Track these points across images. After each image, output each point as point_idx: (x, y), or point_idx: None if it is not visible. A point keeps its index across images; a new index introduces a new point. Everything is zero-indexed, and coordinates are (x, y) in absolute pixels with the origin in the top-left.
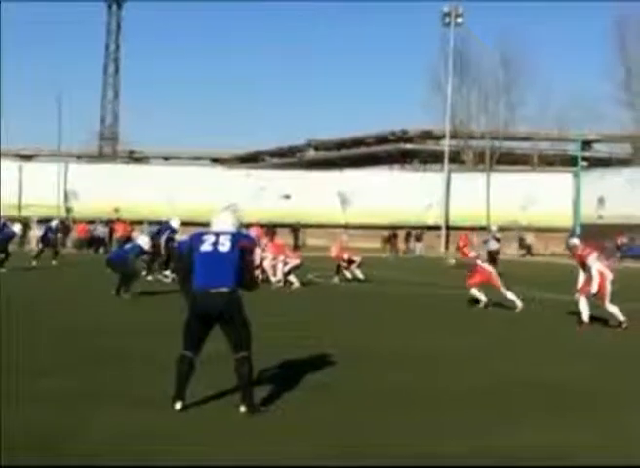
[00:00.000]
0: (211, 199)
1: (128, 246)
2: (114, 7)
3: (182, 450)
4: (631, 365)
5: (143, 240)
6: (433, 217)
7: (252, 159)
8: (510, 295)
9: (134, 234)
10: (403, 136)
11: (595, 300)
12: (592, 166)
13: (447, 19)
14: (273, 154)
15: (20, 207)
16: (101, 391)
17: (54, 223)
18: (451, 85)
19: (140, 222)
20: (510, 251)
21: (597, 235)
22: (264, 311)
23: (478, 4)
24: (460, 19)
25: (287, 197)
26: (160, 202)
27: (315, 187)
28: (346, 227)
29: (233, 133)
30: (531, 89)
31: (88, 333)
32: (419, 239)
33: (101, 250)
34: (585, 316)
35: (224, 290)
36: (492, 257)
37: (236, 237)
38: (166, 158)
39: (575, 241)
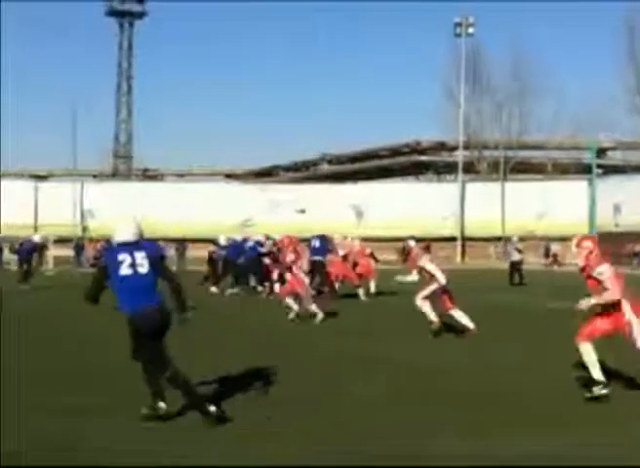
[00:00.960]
0: (226, 215)
1: None
2: (126, 25)
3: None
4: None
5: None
6: (449, 228)
7: (266, 174)
8: (315, 308)
9: None
10: (416, 148)
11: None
12: (607, 173)
13: (458, 30)
14: (287, 169)
15: (36, 227)
16: (114, 404)
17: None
18: (463, 95)
19: (156, 240)
20: (531, 260)
21: (614, 243)
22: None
23: (489, 13)
24: (471, 30)
25: (302, 211)
26: (176, 219)
27: (330, 201)
28: (361, 240)
29: (247, 148)
30: (544, 97)
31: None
32: (426, 251)
33: None
34: (432, 317)
35: (156, 306)
36: (515, 268)
37: (149, 253)
38: (180, 175)
39: (411, 243)
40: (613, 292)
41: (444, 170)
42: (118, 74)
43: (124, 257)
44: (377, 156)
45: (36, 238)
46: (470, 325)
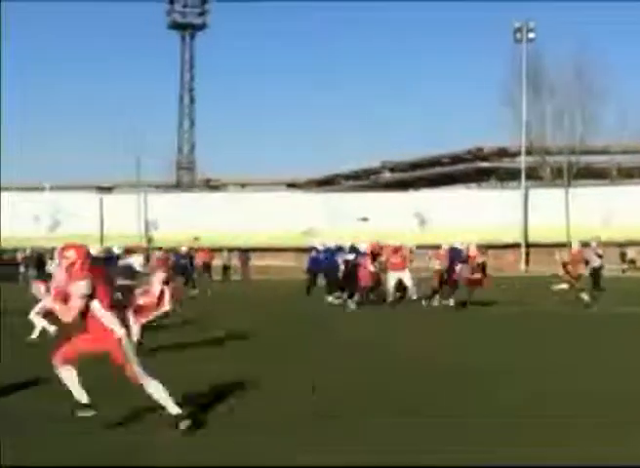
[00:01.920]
0: (288, 224)
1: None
2: (187, 38)
3: None
4: None
5: (137, 260)
6: (512, 235)
7: (327, 182)
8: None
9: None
10: (478, 155)
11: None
12: None
13: (519, 35)
14: (349, 177)
15: (101, 239)
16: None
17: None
18: (525, 101)
19: (219, 250)
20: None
21: None
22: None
23: (550, 16)
24: (531, 35)
25: (364, 219)
26: (238, 229)
27: (392, 209)
28: (424, 248)
29: (309, 156)
30: (607, 101)
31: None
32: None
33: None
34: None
35: None
36: (596, 275)
37: None
38: (242, 185)
39: (158, 255)
40: (67, 310)
41: (507, 176)
42: (180, 86)
43: None
44: (438, 163)
45: (116, 250)
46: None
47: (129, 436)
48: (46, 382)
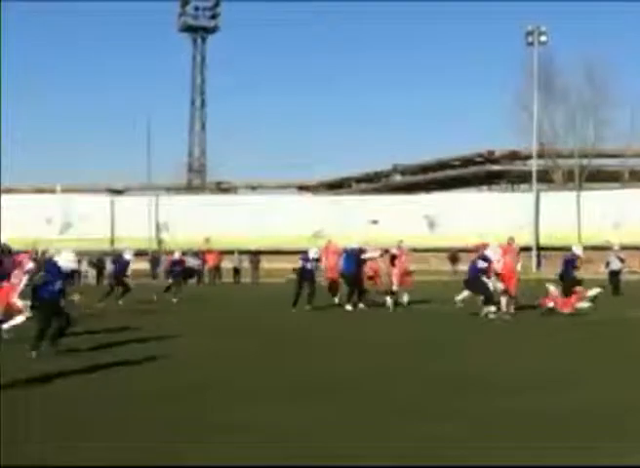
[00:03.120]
0: (298, 227)
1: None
2: (199, 41)
3: None
4: None
5: (65, 258)
6: (524, 238)
7: (338, 185)
8: None
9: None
10: (489, 158)
11: None
12: None
13: (530, 38)
14: (359, 180)
15: (112, 240)
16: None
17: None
18: (537, 104)
19: (230, 252)
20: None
21: None
22: None
23: (562, 19)
24: (543, 38)
25: (374, 222)
26: (248, 231)
27: (402, 211)
28: (434, 251)
29: (320, 159)
30: (618, 104)
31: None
32: None
33: (193, 280)
34: None
35: None
36: (615, 278)
37: None
38: (253, 187)
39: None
40: None
41: (518, 179)
42: (192, 89)
43: None
44: (449, 166)
45: (127, 255)
46: None
47: (128, 436)
48: (44, 383)
